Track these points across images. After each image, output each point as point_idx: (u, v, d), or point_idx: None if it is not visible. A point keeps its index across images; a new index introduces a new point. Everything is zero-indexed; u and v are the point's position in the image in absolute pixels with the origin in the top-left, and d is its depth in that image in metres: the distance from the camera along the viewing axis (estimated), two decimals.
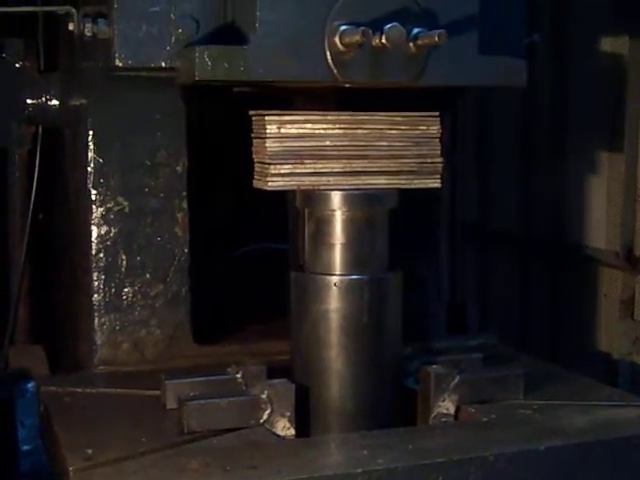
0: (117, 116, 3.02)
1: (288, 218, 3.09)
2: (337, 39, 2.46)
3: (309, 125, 2.58)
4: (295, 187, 2.62)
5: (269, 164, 2.56)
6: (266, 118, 2.55)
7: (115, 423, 2.61)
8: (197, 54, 2.42)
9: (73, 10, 2.74)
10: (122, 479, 2.22)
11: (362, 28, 2.39)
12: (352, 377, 2.64)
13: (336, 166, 2.61)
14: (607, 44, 4.77)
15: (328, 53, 2.49)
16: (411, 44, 2.50)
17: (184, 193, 3.10)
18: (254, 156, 2.64)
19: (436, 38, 2.45)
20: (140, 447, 2.39)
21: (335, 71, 2.50)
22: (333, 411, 2.64)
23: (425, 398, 2.71)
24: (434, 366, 2.74)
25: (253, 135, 2.63)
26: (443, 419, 2.70)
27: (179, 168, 3.08)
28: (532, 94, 5.22)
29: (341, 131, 2.61)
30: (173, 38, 2.60)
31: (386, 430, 2.57)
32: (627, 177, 4.67)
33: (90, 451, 2.37)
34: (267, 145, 2.55)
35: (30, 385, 3.25)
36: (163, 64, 2.62)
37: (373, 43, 2.45)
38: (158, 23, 2.60)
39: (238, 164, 2.78)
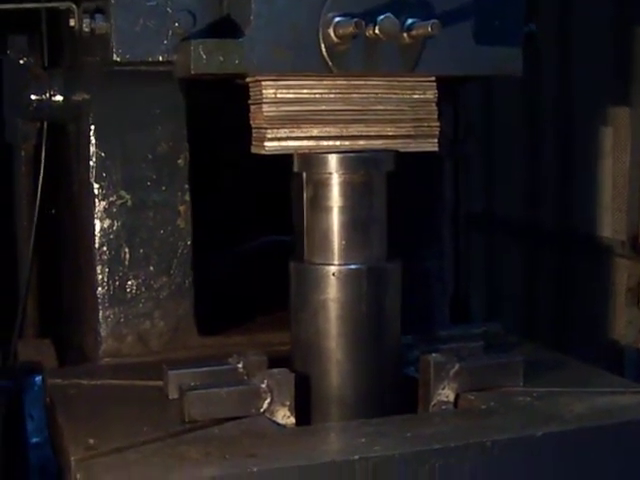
0: (118, 110, 3.04)
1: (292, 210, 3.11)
2: (331, 31, 2.48)
3: (305, 90, 2.61)
4: (292, 151, 2.64)
5: (266, 128, 2.58)
6: (262, 83, 2.57)
7: (118, 413, 2.64)
8: (192, 48, 2.45)
9: (74, 6, 2.77)
10: (123, 468, 2.25)
11: (355, 19, 2.41)
12: (351, 366, 2.66)
13: (333, 130, 2.64)
14: (611, 28, 4.76)
15: (322, 45, 2.51)
16: (405, 35, 2.52)
17: (186, 186, 3.12)
18: (251, 122, 2.66)
19: (430, 28, 2.46)
20: (142, 437, 2.42)
21: (330, 63, 2.53)
22: (333, 400, 2.66)
23: (425, 386, 2.73)
24: (434, 354, 2.75)
25: (250, 101, 2.66)
26: (443, 407, 2.71)
27: (180, 161, 3.11)
28: (537, 82, 5.23)
29: (337, 95, 2.63)
30: (170, 32, 2.63)
31: (385, 418, 2.59)
32: (632, 165, 4.67)
33: (92, 441, 2.40)
34: (264, 110, 2.58)
35: (38, 378, 3.27)
36: (160, 58, 2.65)
37: (367, 34, 2.48)
38: (155, 17, 2.62)
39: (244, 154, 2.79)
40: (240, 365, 2.71)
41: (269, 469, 2.25)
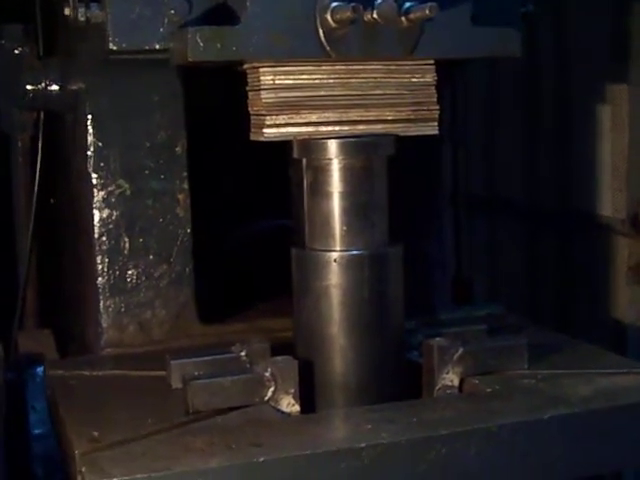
0: (115, 99, 3.03)
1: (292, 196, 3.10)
2: (328, 16, 2.45)
3: (304, 76, 2.59)
4: (291, 137, 2.62)
5: (265, 115, 2.57)
6: (260, 70, 2.56)
7: (121, 404, 2.64)
8: (189, 35, 2.42)
9: None
10: (129, 461, 2.22)
11: (352, 4, 2.39)
12: (355, 352, 2.64)
13: (332, 116, 2.63)
14: (609, 5, 4.73)
15: (320, 30, 2.48)
16: (403, 18, 2.49)
17: (184, 174, 3.11)
18: (250, 109, 2.65)
19: (427, 11, 2.44)
20: (146, 428, 2.41)
21: (328, 48, 2.50)
22: (337, 386, 2.65)
23: (429, 371, 2.72)
24: (437, 338, 2.74)
25: (248, 88, 2.64)
26: (448, 391, 2.70)
27: (178, 149, 3.10)
28: (536, 63, 5.21)
29: (336, 81, 2.62)
30: (166, 20, 2.59)
31: (390, 404, 2.58)
32: (631, 144, 4.65)
33: (96, 433, 2.38)
34: (262, 96, 2.56)
35: (40, 369, 3.27)
36: (157, 46, 2.61)
37: (365, 19, 2.46)
38: (151, 5, 2.58)
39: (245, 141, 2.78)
40: (243, 353, 2.70)
41: (275, 458, 2.24)
